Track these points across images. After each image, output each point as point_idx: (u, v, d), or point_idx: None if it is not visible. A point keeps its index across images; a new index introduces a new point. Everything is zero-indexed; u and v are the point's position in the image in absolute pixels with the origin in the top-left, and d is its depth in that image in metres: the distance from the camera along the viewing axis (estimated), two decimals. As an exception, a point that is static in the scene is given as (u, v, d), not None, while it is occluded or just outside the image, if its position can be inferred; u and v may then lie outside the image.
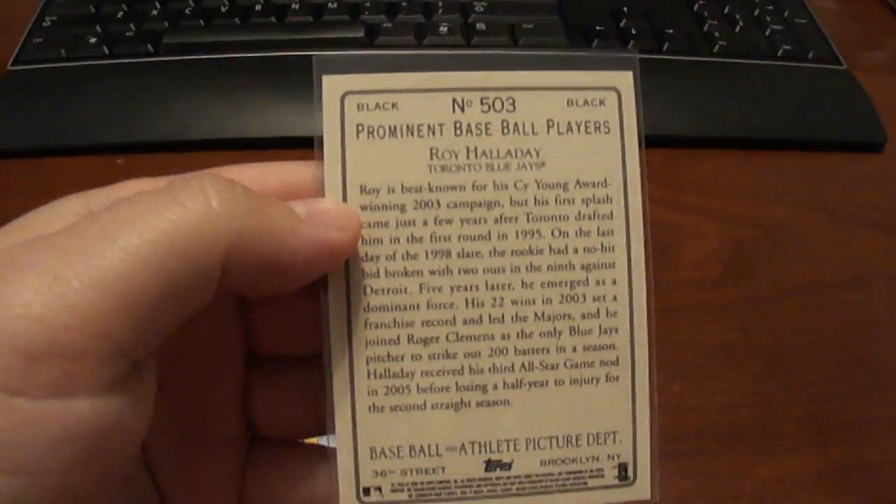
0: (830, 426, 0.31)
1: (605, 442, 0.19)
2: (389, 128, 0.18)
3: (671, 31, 0.45)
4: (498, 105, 0.18)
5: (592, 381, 0.19)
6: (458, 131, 0.18)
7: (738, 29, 0.46)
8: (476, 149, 0.18)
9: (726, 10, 0.47)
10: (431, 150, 0.18)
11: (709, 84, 0.43)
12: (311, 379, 0.19)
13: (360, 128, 0.18)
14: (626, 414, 0.19)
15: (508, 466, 0.19)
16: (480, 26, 0.44)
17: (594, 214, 0.19)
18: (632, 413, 0.19)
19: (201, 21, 0.44)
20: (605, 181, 0.19)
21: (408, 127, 0.18)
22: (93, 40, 0.42)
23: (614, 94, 0.19)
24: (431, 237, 0.18)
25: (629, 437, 0.19)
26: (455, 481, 0.19)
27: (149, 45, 0.42)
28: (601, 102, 0.19)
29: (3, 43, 0.43)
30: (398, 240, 0.18)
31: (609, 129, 0.19)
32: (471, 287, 0.18)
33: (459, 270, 0.18)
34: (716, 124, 0.42)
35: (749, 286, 0.36)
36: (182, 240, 0.15)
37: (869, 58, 0.49)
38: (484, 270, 0.18)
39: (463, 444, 0.19)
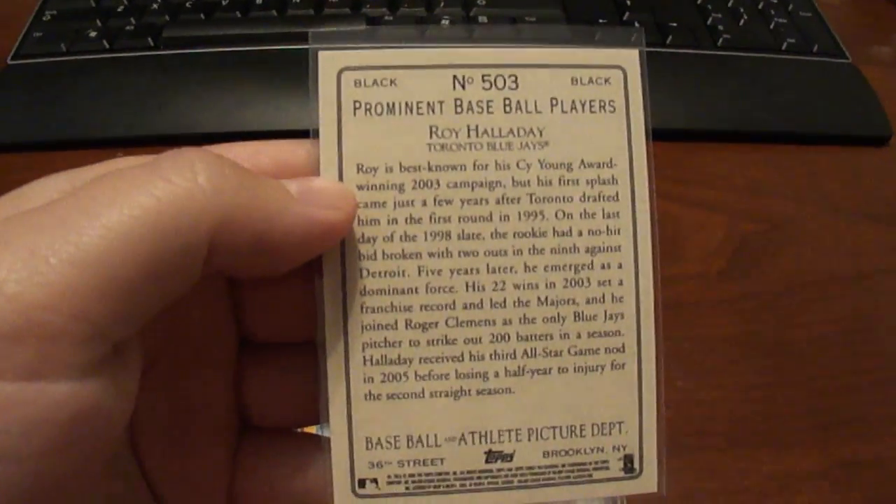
0: (836, 421, 0.30)
1: (610, 433, 0.18)
2: (388, 105, 0.18)
3: (675, 24, 0.44)
4: (500, 82, 0.18)
5: (597, 369, 0.18)
6: (459, 109, 0.18)
7: (742, 22, 0.45)
8: (477, 127, 0.18)
9: (730, 3, 0.46)
10: (431, 128, 0.18)
11: (713, 77, 0.43)
12: (306, 366, 0.19)
13: (358, 105, 0.18)
14: (632, 403, 0.18)
15: (510, 458, 0.18)
16: (482, 19, 0.44)
17: (599, 196, 0.18)
18: (638, 402, 0.18)
19: (202, 15, 0.43)
20: (611, 161, 0.18)
21: (407, 104, 0.18)
22: (93, 34, 0.42)
23: (620, 72, 0.18)
24: (431, 218, 0.18)
25: (635, 428, 0.18)
26: (454, 473, 0.18)
27: (149, 39, 0.42)
28: (606, 81, 0.18)
29: (3, 37, 0.43)
30: (396, 220, 0.18)
31: (615, 109, 0.18)
32: (471, 270, 0.18)
33: (459, 253, 0.18)
34: (720, 118, 0.41)
35: (753, 280, 0.35)
36: (166, 216, 0.14)
37: (874, 52, 0.48)
38: (485, 253, 0.18)
39: (463, 435, 0.18)
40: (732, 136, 0.41)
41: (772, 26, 0.45)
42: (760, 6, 0.47)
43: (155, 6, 0.44)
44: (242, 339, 0.20)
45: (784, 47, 0.44)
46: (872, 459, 0.29)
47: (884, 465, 0.29)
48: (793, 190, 0.39)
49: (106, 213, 0.14)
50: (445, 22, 0.43)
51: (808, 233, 0.38)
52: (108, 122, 0.39)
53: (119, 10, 0.44)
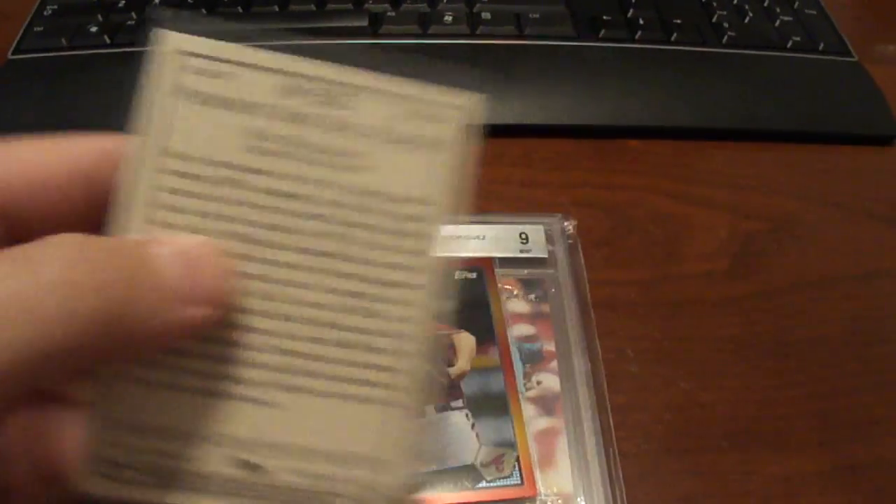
0: (840, 423, 0.30)
1: (363, 467, 0.18)
2: (215, 97, 0.17)
3: (679, 21, 0.44)
4: (332, 101, 0.18)
5: (357, 399, 0.18)
6: (283, 117, 0.17)
7: (747, 19, 0.45)
8: (294, 137, 0.17)
9: (735, 1, 0.46)
10: (250, 129, 0.17)
11: (717, 75, 0.42)
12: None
13: (186, 91, 0.17)
14: (390, 439, 0.18)
15: (257, 469, 0.18)
16: (486, 15, 0.43)
17: (397, 231, 0.18)
18: (398, 438, 0.18)
19: (203, 10, 0.43)
20: (420, 199, 0.18)
21: (235, 101, 0.17)
22: (94, 29, 0.42)
23: (457, 113, 0.18)
24: (230, 220, 0.17)
25: (394, 465, 0.18)
26: (198, 473, 0.17)
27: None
28: (441, 119, 0.18)
29: (4, 32, 0.42)
30: (206, 214, 0.17)
31: (441, 149, 0.18)
32: (247, 275, 0.17)
33: (243, 257, 0.17)
34: (724, 116, 0.40)
35: (758, 280, 0.35)
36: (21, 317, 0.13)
37: (880, 50, 0.48)
38: (264, 262, 0.17)
39: (210, 436, 0.17)
40: (737, 135, 0.41)
41: (777, 24, 0.45)
42: (766, 3, 0.46)
43: (157, 0, 0.43)
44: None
45: (789, 45, 0.43)
46: (878, 462, 0.29)
47: (886, 467, 0.29)
48: (797, 189, 0.39)
49: None
50: (448, 17, 0.43)
51: (812, 232, 0.37)
52: (109, 117, 0.39)
53: (120, 4, 0.43)
